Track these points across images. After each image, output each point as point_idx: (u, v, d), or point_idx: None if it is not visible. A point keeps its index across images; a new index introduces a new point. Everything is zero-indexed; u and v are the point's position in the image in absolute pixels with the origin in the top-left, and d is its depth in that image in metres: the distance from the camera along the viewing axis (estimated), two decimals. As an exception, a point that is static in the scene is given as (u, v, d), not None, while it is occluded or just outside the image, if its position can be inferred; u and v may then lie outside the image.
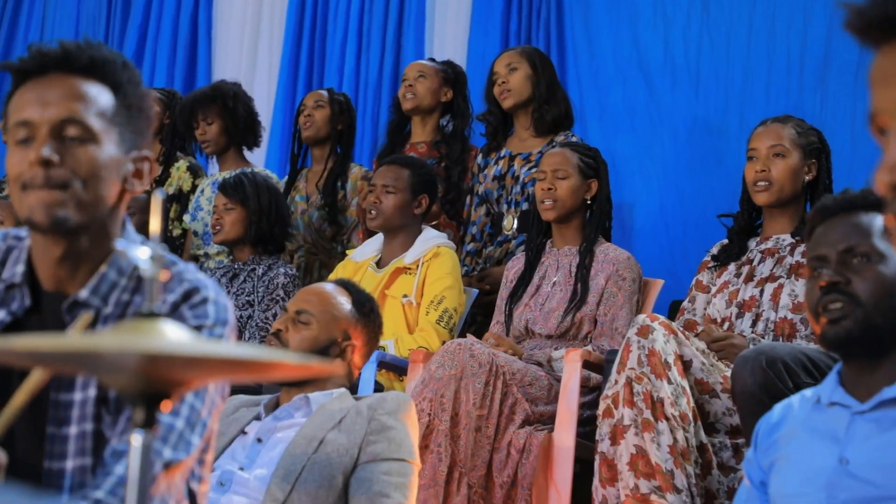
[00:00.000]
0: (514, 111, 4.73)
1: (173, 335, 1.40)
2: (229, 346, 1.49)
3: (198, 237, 5.12)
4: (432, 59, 5.16)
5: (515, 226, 4.62)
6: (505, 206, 4.68)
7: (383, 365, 3.99)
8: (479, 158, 4.84)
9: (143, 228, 4.81)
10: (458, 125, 4.94)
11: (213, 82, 5.60)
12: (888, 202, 1.18)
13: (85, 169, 1.89)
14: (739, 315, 3.59)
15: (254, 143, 5.24)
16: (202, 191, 5.16)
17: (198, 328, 1.91)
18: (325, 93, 5.18)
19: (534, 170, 4.55)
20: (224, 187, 4.55)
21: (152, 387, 1.40)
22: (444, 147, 4.89)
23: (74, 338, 1.46)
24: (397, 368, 4.06)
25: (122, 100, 1.95)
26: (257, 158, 5.79)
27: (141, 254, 1.46)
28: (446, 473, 3.47)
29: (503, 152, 4.74)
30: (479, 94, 5.06)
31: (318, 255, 4.99)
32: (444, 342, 4.07)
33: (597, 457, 3.32)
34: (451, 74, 4.98)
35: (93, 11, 6.87)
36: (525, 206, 4.59)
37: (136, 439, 1.40)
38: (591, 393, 3.76)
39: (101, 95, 1.93)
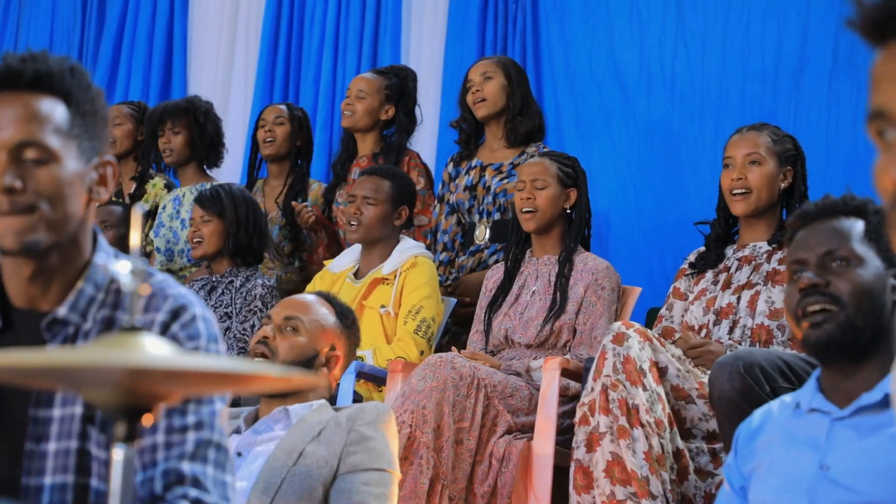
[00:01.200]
0: (486, 120, 4.72)
1: (155, 349, 1.40)
2: (212, 359, 1.49)
3: (160, 253, 5.12)
4: (381, 71, 5.11)
5: (488, 235, 4.62)
6: (477, 217, 4.67)
7: (362, 375, 3.98)
8: (451, 168, 4.83)
9: (119, 242, 4.82)
10: (399, 140, 4.93)
11: (187, 96, 5.62)
12: (892, 202, 1.17)
13: (49, 190, 1.85)
14: (717, 322, 3.60)
15: (214, 162, 5.26)
16: (164, 207, 5.17)
17: (194, 350, 1.90)
18: (284, 108, 5.20)
19: (506, 181, 4.56)
20: (201, 200, 4.54)
21: (134, 401, 1.40)
22: (381, 158, 4.88)
23: (55, 353, 1.45)
24: (376, 379, 4.05)
25: (75, 109, 1.89)
26: (233, 170, 5.79)
27: (121, 268, 1.46)
28: (428, 486, 3.46)
29: (474, 162, 4.73)
30: (455, 103, 5.05)
31: (276, 269, 4.98)
32: (422, 352, 4.08)
33: (572, 464, 3.33)
34: (395, 90, 4.95)
35: (67, 24, 6.84)
36: (497, 216, 4.59)
37: (118, 454, 1.39)
38: (570, 402, 3.76)
39: (54, 110, 1.87)
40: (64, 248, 1.91)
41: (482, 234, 4.63)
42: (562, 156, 4.23)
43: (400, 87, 4.96)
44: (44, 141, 1.85)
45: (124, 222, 4.91)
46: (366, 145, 4.98)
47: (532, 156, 4.49)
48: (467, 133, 4.78)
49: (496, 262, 4.53)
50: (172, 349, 1.44)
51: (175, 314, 1.91)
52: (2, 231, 1.85)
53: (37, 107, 1.86)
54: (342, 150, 5.07)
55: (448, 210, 4.77)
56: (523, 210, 4.06)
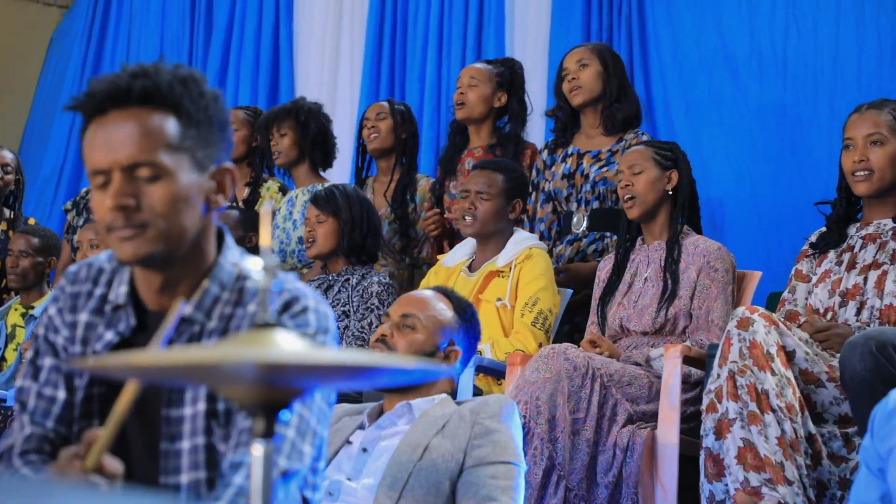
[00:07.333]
0: (582, 108, 4.69)
1: (290, 345, 1.41)
2: (347, 354, 1.49)
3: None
4: (489, 61, 5.10)
5: (586, 224, 4.59)
6: (574, 205, 4.64)
7: (481, 369, 3.98)
8: (545, 155, 4.79)
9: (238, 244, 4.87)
10: (514, 128, 4.92)
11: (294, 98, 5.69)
12: None
13: (162, 206, 1.89)
14: (843, 304, 3.52)
15: (325, 161, 5.28)
16: (278, 210, 5.22)
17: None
18: (385, 104, 5.22)
19: (605, 168, 4.54)
20: (316, 200, 4.58)
21: (271, 397, 1.41)
22: (498, 150, 4.87)
23: (195, 351, 1.47)
24: (495, 372, 4.05)
25: (186, 120, 1.91)
26: (343, 171, 5.83)
27: (253, 265, 1.47)
28: (541, 476, 3.45)
29: (571, 150, 4.70)
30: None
31: (388, 266, 5.00)
32: (540, 344, 4.06)
33: (702, 452, 3.28)
34: (506, 77, 4.94)
35: (176, 32, 6.96)
36: (596, 204, 4.56)
37: (258, 449, 1.40)
38: (692, 389, 3.72)
39: (164, 125, 1.89)
40: (186, 257, 1.95)
41: (580, 222, 4.60)
42: (658, 141, 4.21)
43: (510, 75, 4.96)
44: (155, 159, 1.88)
45: (241, 225, 4.97)
46: (480, 137, 4.96)
47: (630, 143, 4.46)
48: (563, 122, 4.75)
49: (595, 251, 4.51)
50: (306, 344, 1.45)
51: (287, 305, 1.95)
52: (118, 246, 1.90)
53: (148, 123, 1.89)
54: (449, 144, 5.06)
55: (543, 198, 4.74)
56: (625, 198, 4.04)
